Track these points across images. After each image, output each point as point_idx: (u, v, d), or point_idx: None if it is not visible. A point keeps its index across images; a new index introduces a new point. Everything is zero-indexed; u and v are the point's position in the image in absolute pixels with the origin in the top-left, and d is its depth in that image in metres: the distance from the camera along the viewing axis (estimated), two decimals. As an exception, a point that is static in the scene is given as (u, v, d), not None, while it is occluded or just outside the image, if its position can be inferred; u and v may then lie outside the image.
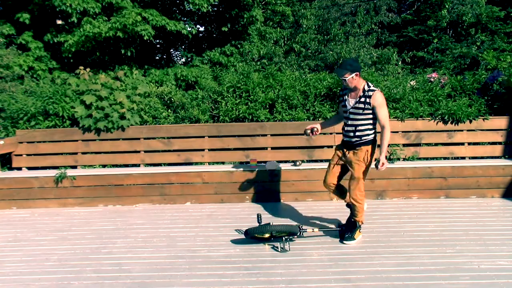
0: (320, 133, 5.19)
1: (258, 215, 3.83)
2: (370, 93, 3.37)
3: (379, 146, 3.49)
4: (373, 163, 3.54)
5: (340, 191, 3.83)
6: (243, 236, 3.82)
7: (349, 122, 3.51)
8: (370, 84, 3.45)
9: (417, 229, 3.96)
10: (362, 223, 3.73)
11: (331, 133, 5.24)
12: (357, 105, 3.43)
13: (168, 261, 3.44)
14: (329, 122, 4.01)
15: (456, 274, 3.03)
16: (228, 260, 3.42)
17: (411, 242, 3.65)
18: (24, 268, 3.41)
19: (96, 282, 3.12)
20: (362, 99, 3.40)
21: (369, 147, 3.49)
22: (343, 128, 3.64)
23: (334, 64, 11.54)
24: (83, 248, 3.78)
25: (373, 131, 3.52)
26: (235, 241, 3.80)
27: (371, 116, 3.44)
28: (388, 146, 5.10)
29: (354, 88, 3.45)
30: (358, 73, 3.39)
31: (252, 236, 3.65)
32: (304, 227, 3.80)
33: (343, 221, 4.16)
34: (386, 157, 3.47)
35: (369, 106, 3.38)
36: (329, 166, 3.75)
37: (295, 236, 3.74)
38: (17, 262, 3.53)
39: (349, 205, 3.81)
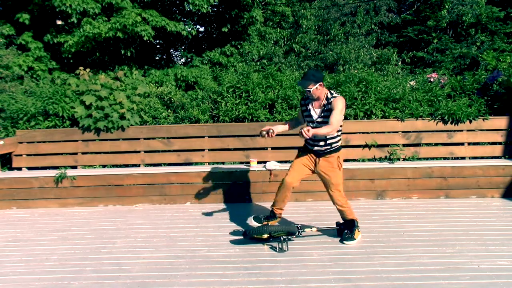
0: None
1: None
2: (332, 99, 3.42)
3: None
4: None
5: (285, 196, 3.71)
6: (242, 236, 3.82)
7: None
8: (332, 92, 3.50)
9: (417, 229, 3.96)
10: (358, 220, 3.76)
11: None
12: (323, 114, 3.48)
13: (168, 261, 3.44)
14: (286, 125, 3.84)
15: (456, 274, 3.02)
16: (228, 260, 3.42)
17: (411, 242, 3.65)
18: (23, 268, 3.40)
19: (96, 282, 3.12)
20: (327, 107, 3.45)
21: (339, 153, 3.59)
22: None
23: (334, 64, 11.54)
24: (83, 248, 3.78)
25: (340, 137, 3.61)
26: (235, 241, 3.80)
27: None
28: (388, 146, 5.16)
29: (318, 98, 3.51)
30: (321, 83, 3.46)
31: (251, 237, 3.65)
32: (302, 226, 3.80)
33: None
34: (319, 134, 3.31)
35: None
36: (295, 164, 3.68)
37: (294, 236, 3.74)
38: (17, 262, 3.53)
39: (273, 212, 3.82)
